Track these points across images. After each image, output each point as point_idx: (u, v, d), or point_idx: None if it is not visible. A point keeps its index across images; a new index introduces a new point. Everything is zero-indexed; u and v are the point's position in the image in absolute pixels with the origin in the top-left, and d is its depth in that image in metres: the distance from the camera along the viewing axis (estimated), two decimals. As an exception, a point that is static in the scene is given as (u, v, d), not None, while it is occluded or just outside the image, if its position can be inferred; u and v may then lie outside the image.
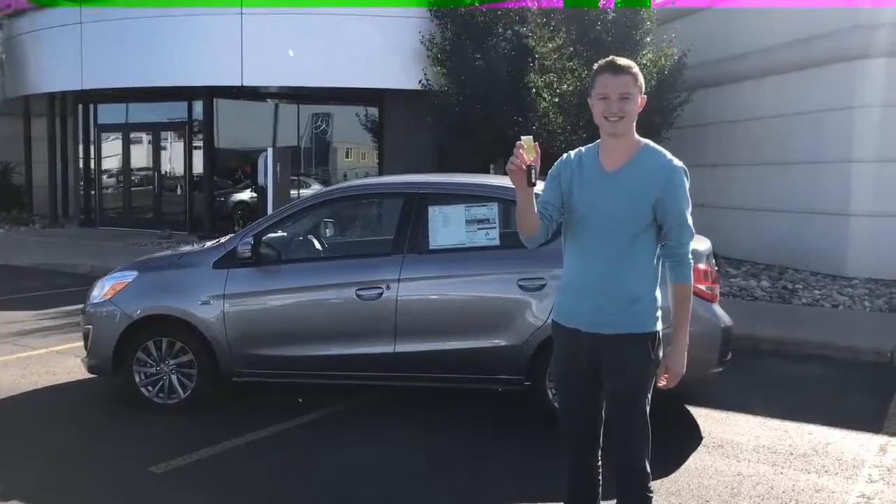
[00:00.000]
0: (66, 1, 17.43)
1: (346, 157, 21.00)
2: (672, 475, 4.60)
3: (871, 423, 5.56)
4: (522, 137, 2.87)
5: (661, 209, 2.99)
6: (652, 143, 3.10)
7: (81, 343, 6.11)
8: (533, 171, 2.86)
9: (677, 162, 3.06)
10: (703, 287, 5.32)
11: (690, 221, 3.03)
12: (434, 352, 5.41)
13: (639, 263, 3.03)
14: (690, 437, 5.26)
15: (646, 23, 12.17)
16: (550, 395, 5.39)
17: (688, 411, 5.79)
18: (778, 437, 5.30)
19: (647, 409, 3.08)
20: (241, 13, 15.92)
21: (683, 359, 3.06)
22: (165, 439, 5.18)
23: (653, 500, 3.16)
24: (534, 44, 13.12)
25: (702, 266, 5.38)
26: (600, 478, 3.28)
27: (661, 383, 3.07)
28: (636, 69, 3.02)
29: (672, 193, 2.99)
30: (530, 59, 13.53)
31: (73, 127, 20.89)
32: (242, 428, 5.31)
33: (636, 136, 3.08)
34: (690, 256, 3.07)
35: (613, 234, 3.01)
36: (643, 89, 3.04)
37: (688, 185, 3.04)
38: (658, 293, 3.06)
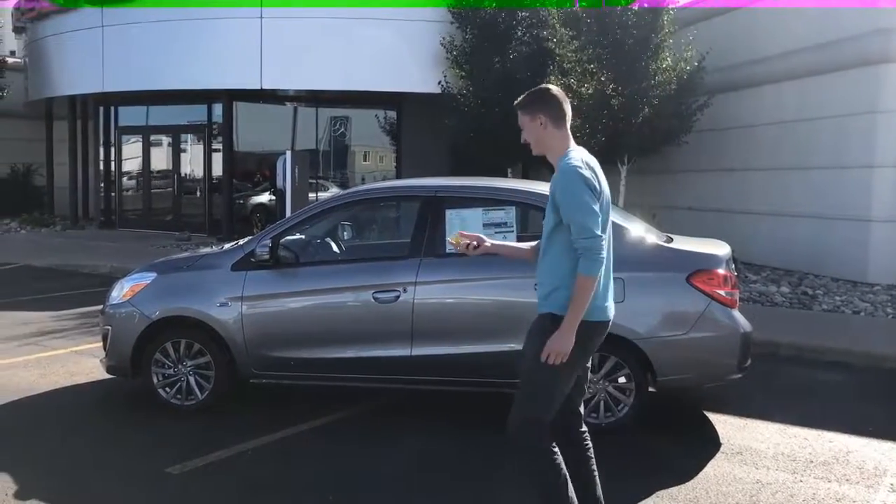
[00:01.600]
0: (88, 2, 17.58)
1: (364, 160, 21.06)
2: (690, 482, 4.56)
3: (893, 431, 5.48)
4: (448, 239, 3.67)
5: (558, 206, 3.35)
6: (571, 151, 3.42)
7: (100, 344, 6.14)
8: (469, 245, 3.72)
9: (570, 163, 3.35)
10: (722, 292, 5.29)
11: (581, 218, 3.26)
12: (450, 355, 5.39)
13: (556, 257, 3.41)
14: (709, 444, 5.22)
15: (665, 26, 12.11)
16: (567, 400, 5.36)
17: (707, 418, 5.74)
18: (798, 444, 5.24)
19: (543, 381, 3.37)
20: (261, 16, 16.00)
21: (563, 339, 3.29)
22: (182, 440, 5.20)
23: (545, 453, 3.36)
24: (553, 46, 13.10)
25: (721, 271, 5.34)
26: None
27: (542, 356, 3.32)
28: (526, 100, 3.51)
29: (560, 191, 3.34)
30: (549, 62, 13.51)
31: (94, 129, 21.08)
32: (259, 430, 5.33)
33: (564, 147, 3.45)
34: (597, 253, 3.27)
35: (545, 234, 3.48)
36: (543, 107, 3.45)
37: (579, 186, 3.29)
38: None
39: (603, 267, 3.33)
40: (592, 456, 3.61)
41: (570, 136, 3.52)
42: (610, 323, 3.52)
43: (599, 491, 3.60)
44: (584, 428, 3.65)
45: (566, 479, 3.40)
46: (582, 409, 3.68)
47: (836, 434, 5.41)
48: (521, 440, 3.38)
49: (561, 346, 3.29)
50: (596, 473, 3.60)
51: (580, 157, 3.39)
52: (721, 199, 13.67)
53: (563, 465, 3.39)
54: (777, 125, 12.68)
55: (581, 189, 3.28)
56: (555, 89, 3.54)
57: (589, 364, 3.66)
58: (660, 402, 5.73)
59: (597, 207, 3.29)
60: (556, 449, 3.39)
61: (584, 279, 3.27)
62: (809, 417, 5.74)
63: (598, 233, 3.26)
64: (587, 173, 3.31)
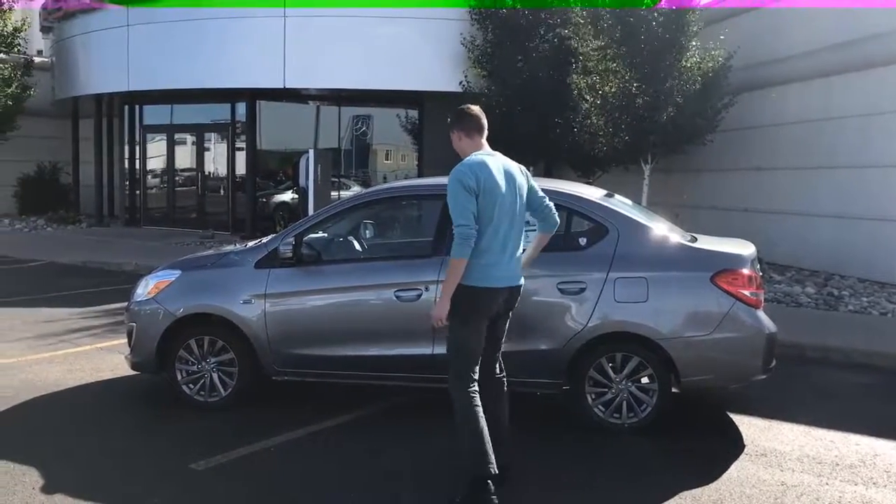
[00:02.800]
0: None
1: (386, 158, 21.10)
2: (714, 483, 4.53)
3: (920, 434, 5.41)
4: None
5: None
6: (468, 157, 4.32)
7: (125, 340, 6.20)
8: None
9: (456, 167, 4.24)
10: (747, 292, 5.24)
11: (454, 213, 4.17)
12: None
13: None
14: (733, 445, 5.17)
15: (691, 25, 12.02)
16: (590, 400, 5.34)
17: (730, 419, 5.69)
18: (823, 446, 5.18)
19: (458, 340, 4.26)
20: (284, 16, 16.08)
21: (437, 306, 4.25)
22: (206, 437, 5.24)
23: (461, 396, 4.21)
24: (576, 44, 13.04)
25: (746, 271, 5.29)
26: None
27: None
28: (451, 119, 4.50)
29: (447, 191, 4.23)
30: (573, 61, 13.46)
31: (120, 128, 21.28)
32: (282, 427, 5.35)
33: (467, 155, 4.37)
34: (463, 239, 4.12)
35: None
36: (459, 124, 4.45)
37: (455, 187, 4.16)
38: (473, 260, 4.16)
39: (493, 248, 4.19)
40: (504, 395, 4.53)
41: (482, 145, 4.40)
42: (502, 289, 4.28)
43: (506, 423, 4.50)
44: (501, 374, 4.53)
45: (480, 416, 4.19)
46: (499, 362, 4.54)
47: (862, 436, 5.35)
48: (452, 385, 4.26)
49: (436, 311, 4.24)
50: (506, 410, 4.51)
51: (470, 160, 4.26)
52: (746, 198, 13.56)
53: (479, 407, 4.21)
54: (802, 124, 12.55)
55: (456, 190, 4.16)
56: (472, 109, 4.47)
57: (506, 326, 4.52)
58: (683, 403, 5.69)
59: (469, 203, 4.13)
60: (477, 392, 4.24)
61: (452, 261, 4.16)
62: (835, 419, 5.68)
63: (463, 223, 4.12)
64: (465, 176, 4.16)
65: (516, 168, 4.47)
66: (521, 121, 14.18)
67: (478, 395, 4.23)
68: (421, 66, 16.11)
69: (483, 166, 4.22)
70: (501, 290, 4.29)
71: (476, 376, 4.28)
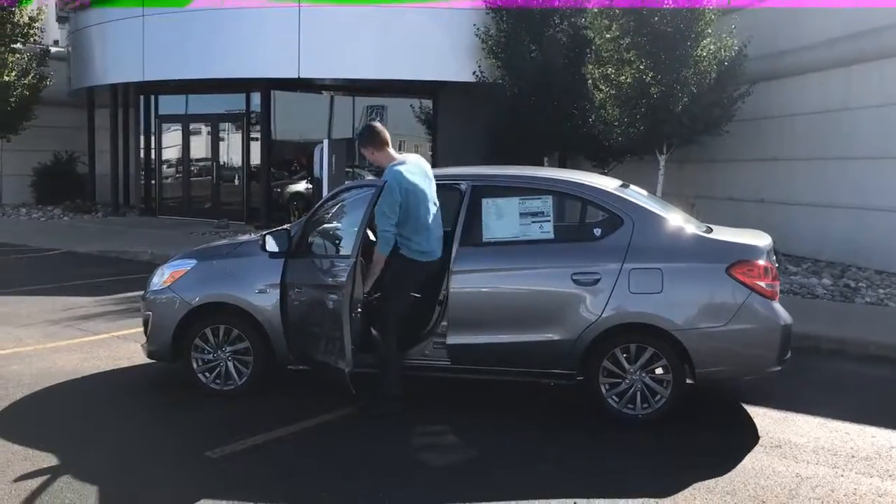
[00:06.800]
0: None
1: (400, 149, 20.95)
2: (728, 475, 4.52)
3: (937, 427, 5.37)
4: None
5: None
6: (393, 165, 5.28)
7: (141, 329, 6.25)
8: None
9: (388, 178, 5.17)
10: (763, 284, 5.22)
11: (379, 217, 5.19)
12: (485, 344, 5.39)
13: None
14: (747, 437, 5.16)
15: (706, 14, 11.92)
16: (604, 391, 5.34)
17: (745, 410, 5.68)
18: (839, 438, 5.16)
19: (391, 308, 5.32)
20: (299, 6, 16.07)
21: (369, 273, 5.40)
22: (221, 425, 5.27)
23: (387, 358, 5.32)
24: (593, 34, 12.96)
25: (761, 262, 5.26)
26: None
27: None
28: (359, 139, 5.50)
29: (380, 194, 5.16)
30: (587, 51, 13.38)
31: (135, 118, 21.35)
32: (296, 415, 5.38)
33: (390, 161, 5.35)
34: (385, 243, 5.22)
35: None
36: (368, 141, 5.44)
37: (386, 196, 5.11)
38: (405, 243, 5.28)
39: (421, 231, 5.24)
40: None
41: (392, 153, 5.41)
42: (431, 262, 5.33)
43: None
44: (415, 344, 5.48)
45: (399, 368, 5.33)
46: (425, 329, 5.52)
47: (878, 429, 5.32)
48: (384, 338, 5.29)
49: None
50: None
51: (399, 169, 5.19)
52: (762, 189, 13.47)
53: (399, 360, 5.31)
54: (820, 114, 12.43)
55: (384, 199, 5.10)
56: (376, 125, 5.47)
57: (440, 299, 5.48)
58: (698, 394, 5.68)
59: (391, 210, 5.10)
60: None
61: (378, 255, 5.27)
62: (851, 412, 5.65)
63: (386, 228, 5.16)
64: (392, 190, 5.11)
65: (426, 165, 5.51)
66: (535, 111, 14.14)
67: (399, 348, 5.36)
68: (435, 56, 16.07)
69: (403, 176, 5.18)
70: (431, 263, 5.31)
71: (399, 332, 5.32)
